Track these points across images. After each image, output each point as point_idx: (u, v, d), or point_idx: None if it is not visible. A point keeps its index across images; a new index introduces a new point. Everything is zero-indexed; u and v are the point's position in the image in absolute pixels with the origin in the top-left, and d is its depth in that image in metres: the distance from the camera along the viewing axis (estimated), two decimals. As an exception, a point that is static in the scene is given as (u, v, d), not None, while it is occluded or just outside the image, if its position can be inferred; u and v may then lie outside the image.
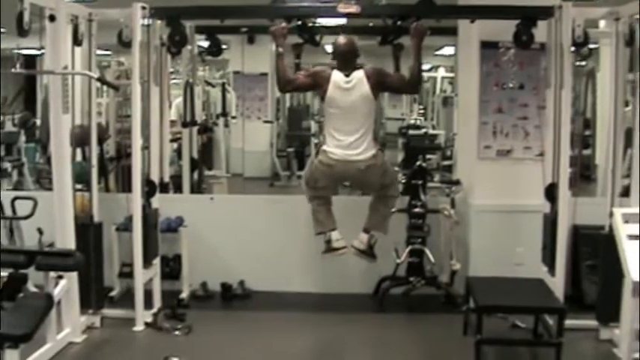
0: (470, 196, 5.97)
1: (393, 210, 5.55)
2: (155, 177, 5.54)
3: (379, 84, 5.19)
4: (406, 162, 8.64)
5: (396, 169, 6.92)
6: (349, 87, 5.11)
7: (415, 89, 5.62)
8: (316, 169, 5.26)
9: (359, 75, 5.13)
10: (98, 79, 5.42)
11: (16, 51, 6.15)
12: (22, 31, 4.31)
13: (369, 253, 5.39)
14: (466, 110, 6.22)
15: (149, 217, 5.41)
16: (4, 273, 4.38)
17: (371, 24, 6.56)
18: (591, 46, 6.57)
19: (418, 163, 5.98)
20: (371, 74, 5.14)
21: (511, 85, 5.75)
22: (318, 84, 5.22)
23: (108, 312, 5.44)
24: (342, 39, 5.29)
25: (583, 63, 8.84)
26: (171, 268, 5.99)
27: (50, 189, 5.20)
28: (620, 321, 4.73)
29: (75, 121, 5.29)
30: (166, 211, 5.89)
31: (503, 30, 5.37)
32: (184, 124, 7.27)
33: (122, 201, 5.62)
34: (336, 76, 5.15)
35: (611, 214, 4.71)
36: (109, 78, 8.31)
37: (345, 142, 5.12)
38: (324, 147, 5.21)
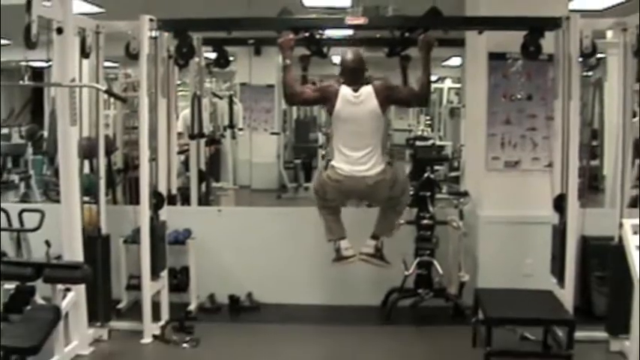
0: (478, 207, 5.94)
1: (402, 222, 5.55)
2: (163, 189, 5.55)
3: (388, 99, 5.09)
4: (414, 174, 8.62)
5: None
6: (358, 102, 5.00)
7: (424, 102, 5.41)
8: (325, 183, 5.18)
9: (368, 90, 5.02)
10: (106, 92, 5.43)
11: (23, 63, 6.19)
12: (29, 44, 4.31)
13: (378, 255, 5.31)
14: (473, 121, 6.20)
15: (157, 229, 5.41)
16: (12, 285, 4.39)
17: (378, 35, 6.55)
18: (599, 56, 6.56)
19: (426, 174, 5.96)
20: (380, 90, 5.02)
21: (519, 96, 5.73)
22: (326, 99, 5.11)
23: (115, 324, 5.43)
24: (349, 54, 5.17)
25: (590, 73, 8.83)
26: (179, 281, 5.99)
27: (58, 201, 5.21)
28: (630, 332, 4.70)
29: (82, 133, 5.30)
30: (174, 223, 5.90)
31: (511, 41, 5.36)
32: (192, 136, 7.26)
33: (130, 213, 5.62)
34: (345, 91, 5.03)
35: (620, 225, 4.69)
36: (116, 90, 8.34)
37: (352, 158, 5.02)
38: (333, 162, 5.12)
